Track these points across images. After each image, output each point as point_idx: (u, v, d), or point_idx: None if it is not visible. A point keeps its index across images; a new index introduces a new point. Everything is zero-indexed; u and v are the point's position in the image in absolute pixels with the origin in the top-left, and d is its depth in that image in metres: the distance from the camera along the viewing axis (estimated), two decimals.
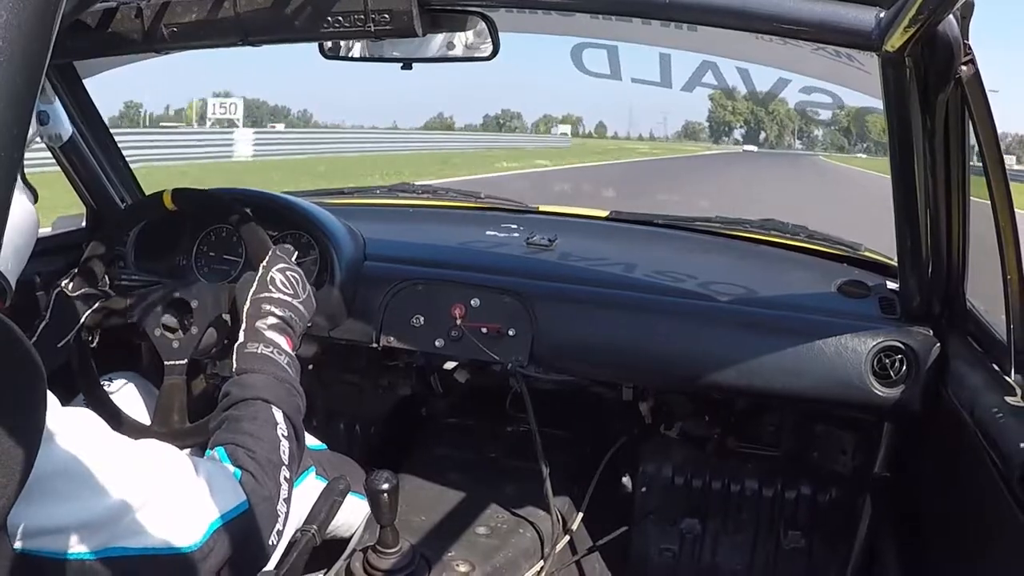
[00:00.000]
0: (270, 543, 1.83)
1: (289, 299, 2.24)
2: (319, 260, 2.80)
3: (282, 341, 2.16)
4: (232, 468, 1.79)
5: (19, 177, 1.87)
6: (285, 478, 1.89)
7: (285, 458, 1.91)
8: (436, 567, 2.46)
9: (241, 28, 2.06)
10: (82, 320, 2.52)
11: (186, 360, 2.49)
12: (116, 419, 2.48)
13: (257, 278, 2.25)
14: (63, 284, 2.54)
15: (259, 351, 2.10)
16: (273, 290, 2.22)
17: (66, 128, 2.53)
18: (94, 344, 2.56)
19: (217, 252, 2.85)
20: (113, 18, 2.15)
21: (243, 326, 2.17)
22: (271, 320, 2.17)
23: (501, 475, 3.06)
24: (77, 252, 2.70)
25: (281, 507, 1.86)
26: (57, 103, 2.52)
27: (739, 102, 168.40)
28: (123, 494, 1.54)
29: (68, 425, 1.52)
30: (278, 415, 1.96)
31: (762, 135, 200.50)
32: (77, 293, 2.54)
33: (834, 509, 3.12)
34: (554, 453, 2.87)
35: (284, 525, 1.89)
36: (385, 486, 2.29)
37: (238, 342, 2.14)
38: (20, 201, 1.89)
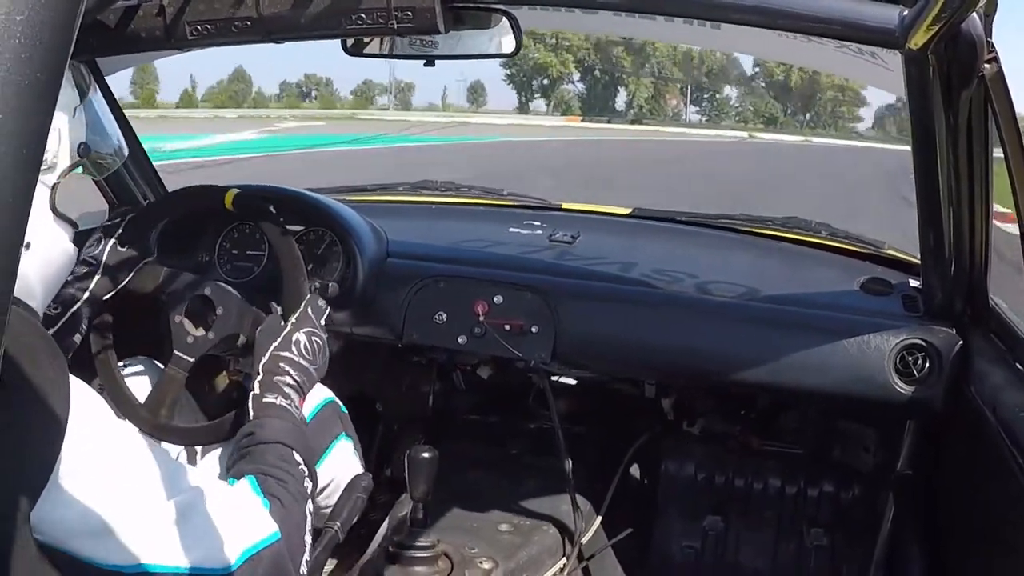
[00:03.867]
0: (300, 573, 1.85)
1: (307, 365, 2.24)
2: (342, 257, 2.80)
3: (295, 398, 2.17)
4: (262, 498, 1.80)
5: (53, 210, 1.87)
6: (309, 511, 1.92)
7: (308, 493, 1.94)
8: (459, 564, 2.47)
9: (263, 26, 2.07)
10: (123, 283, 2.51)
11: (194, 360, 2.50)
12: (125, 403, 2.49)
13: (283, 335, 2.25)
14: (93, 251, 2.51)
15: (277, 401, 2.11)
16: (295, 353, 2.23)
17: (117, 149, 2.41)
18: (110, 321, 2.54)
19: (240, 249, 2.84)
20: (135, 16, 2.16)
21: (259, 377, 2.17)
22: (288, 380, 2.17)
23: (523, 472, 3.07)
24: None
25: (307, 537, 1.88)
26: (104, 114, 2.36)
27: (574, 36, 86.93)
28: (155, 508, 1.56)
29: (101, 425, 1.53)
30: (298, 458, 1.98)
31: (621, 96, 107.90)
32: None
33: (857, 507, 3.12)
34: (576, 450, 2.87)
35: (311, 555, 1.91)
36: (426, 455, 2.33)
37: (254, 392, 2.13)
38: (59, 237, 1.89)
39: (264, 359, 2.19)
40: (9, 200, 0.71)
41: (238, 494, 1.78)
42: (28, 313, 1.61)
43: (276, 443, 1.96)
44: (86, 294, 2.41)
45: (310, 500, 1.94)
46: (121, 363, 2.56)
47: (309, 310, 2.34)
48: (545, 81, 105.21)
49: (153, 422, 2.44)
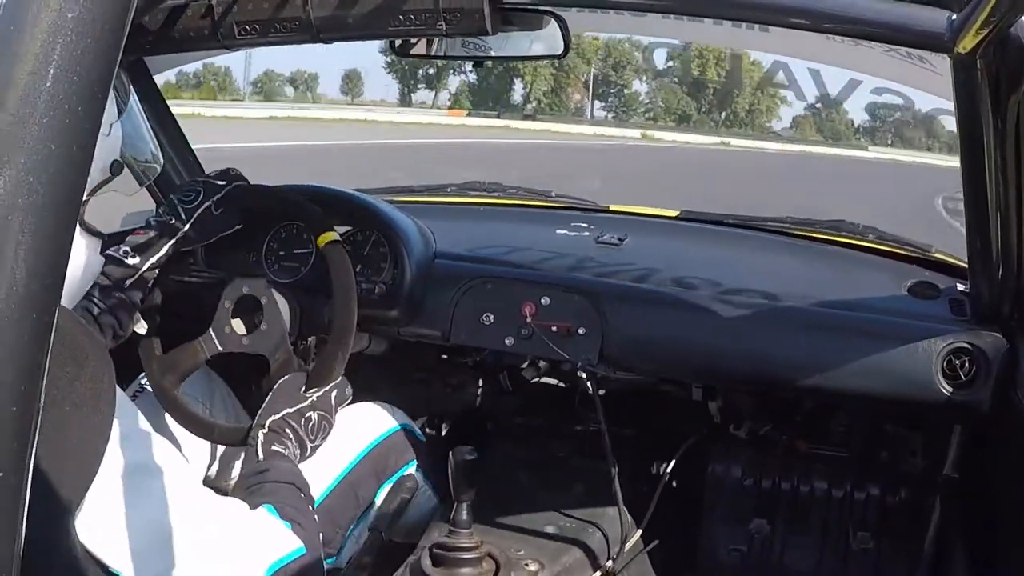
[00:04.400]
0: None
1: (307, 442, 2.30)
2: (389, 258, 2.82)
3: (289, 456, 2.24)
4: (283, 521, 1.84)
5: (80, 223, 1.91)
6: (320, 540, 1.99)
7: (319, 526, 2.00)
8: (504, 565, 2.48)
9: (312, 26, 2.11)
10: (206, 241, 2.58)
11: (221, 350, 2.54)
12: (148, 355, 2.55)
13: (299, 406, 2.31)
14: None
15: (285, 451, 2.20)
16: (301, 427, 2.28)
17: (155, 153, 2.46)
18: (158, 304, 2.57)
19: (287, 249, 2.86)
20: (183, 15, 2.20)
21: (264, 431, 2.24)
22: (287, 445, 2.24)
23: (569, 474, 3.07)
24: None
25: (324, 564, 1.94)
26: (142, 118, 2.40)
27: None
28: (182, 526, 1.59)
29: (137, 439, 1.57)
30: (304, 495, 2.05)
31: (518, 88, 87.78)
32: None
33: (903, 510, 3.10)
34: (622, 452, 2.88)
35: None
36: (469, 456, 2.34)
37: (260, 441, 2.21)
38: (85, 249, 1.93)
39: (274, 417, 2.26)
40: (60, 199, 0.72)
41: (259, 516, 1.82)
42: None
43: (288, 484, 2.03)
44: (166, 247, 2.44)
45: (320, 534, 1.99)
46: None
47: (333, 395, 2.39)
48: (431, 70, 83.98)
49: (159, 382, 2.48)
